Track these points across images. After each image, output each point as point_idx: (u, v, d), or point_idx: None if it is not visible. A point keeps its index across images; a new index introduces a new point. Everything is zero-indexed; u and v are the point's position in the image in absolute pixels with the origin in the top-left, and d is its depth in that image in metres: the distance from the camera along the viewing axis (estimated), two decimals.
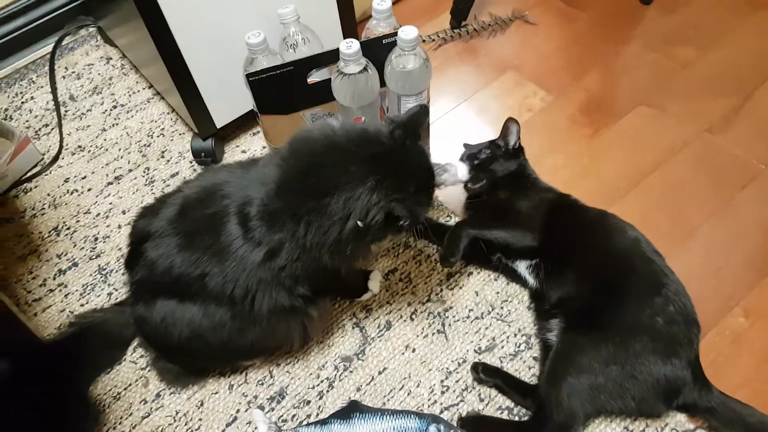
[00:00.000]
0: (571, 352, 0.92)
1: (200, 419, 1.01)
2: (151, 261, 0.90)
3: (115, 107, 1.52)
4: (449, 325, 1.08)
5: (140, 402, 1.04)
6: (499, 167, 1.12)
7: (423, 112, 0.91)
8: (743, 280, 1.10)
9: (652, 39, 1.53)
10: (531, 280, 1.07)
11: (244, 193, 0.87)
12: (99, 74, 1.60)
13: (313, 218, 0.82)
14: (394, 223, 0.84)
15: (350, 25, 1.33)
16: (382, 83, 1.19)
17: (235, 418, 1.01)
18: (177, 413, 1.02)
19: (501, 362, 1.03)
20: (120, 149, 1.43)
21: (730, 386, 0.95)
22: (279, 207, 0.84)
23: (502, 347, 1.05)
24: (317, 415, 1.00)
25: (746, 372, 0.99)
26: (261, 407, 1.01)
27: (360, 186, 0.81)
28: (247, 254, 0.84)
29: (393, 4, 1.19)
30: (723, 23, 1.54)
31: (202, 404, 1.03)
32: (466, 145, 1.22)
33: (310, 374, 1.05)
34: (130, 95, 1.54)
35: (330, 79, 1.15)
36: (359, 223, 0.81)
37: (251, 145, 1.40)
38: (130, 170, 1.39)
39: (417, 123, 0.88)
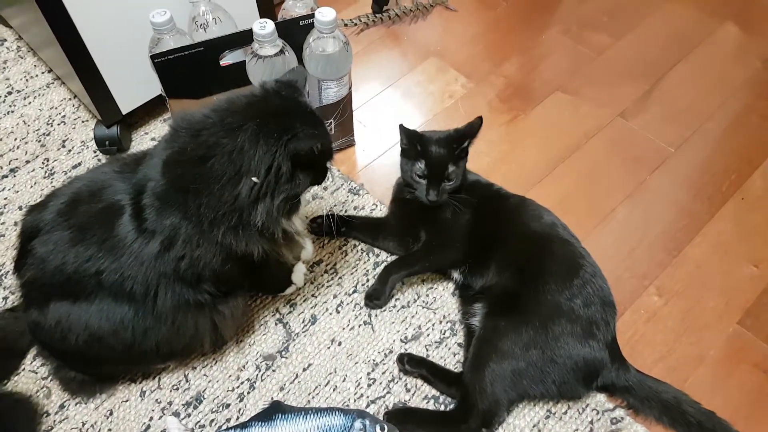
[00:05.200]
0: (493, 337, 0.92)
1: (110, 430, 0.94)
2: (41, 258, 0.82)
3: (10, 93, 1.41)
4: (376, 315, 1.06)
5: (42, 415, 0.95)
6: (455, 175, 1.01)
7: (299, 71, 0.88)
8: (656, 260, 1.14)
9: (569, 25, 1.56)
10: (456, 276, 1.07)
11: (137, 184, 0.82)
12: None
13: (201, 187, 0.77)
14: (306, 169, 0.80)
15: (266, 4, 1.28)
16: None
17: (149, 427, 0.95)
18: (84, 425, 0.95)
19: (427, 350, 1.02)
20: (16, 139, 1.32)
21: (646, 363, 0.99)
22: (165, 187, 0.79)
23: (428, 335, 1.04)
24: (237, 418, 0.96)
25: (661, 349, 1.03)
26: (176, 414, 0.96)
27: (239, 133, 0.76)
28: (142, 247, 0.79)
29: None
30: (635, 10, 1.59)
31: (111, 413, 0.96)
32: (403, 127, 1.06)
33: (230, 376, 1.00)
34: (27, 80, 1.43)
35: (245, 61, 1.09)
36: (254, 179, 0.76)
37: (162, 132, 1.30)
38: (28, 161, 1.29)
39: (290, 80, 0.86)
